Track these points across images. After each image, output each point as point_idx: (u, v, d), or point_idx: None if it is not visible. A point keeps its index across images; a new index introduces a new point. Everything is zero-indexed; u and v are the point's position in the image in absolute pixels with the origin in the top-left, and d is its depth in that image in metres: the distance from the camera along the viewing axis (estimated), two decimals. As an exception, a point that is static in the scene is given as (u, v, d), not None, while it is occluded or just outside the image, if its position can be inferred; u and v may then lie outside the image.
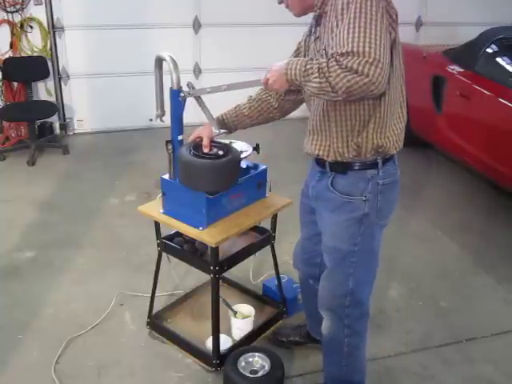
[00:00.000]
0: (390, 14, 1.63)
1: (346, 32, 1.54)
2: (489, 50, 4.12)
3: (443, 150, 4.65)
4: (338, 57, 1.53)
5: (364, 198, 1.85)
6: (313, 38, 1.86)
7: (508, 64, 4.08)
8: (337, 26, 1.61)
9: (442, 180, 4.54)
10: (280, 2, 1.83)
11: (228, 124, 2.18)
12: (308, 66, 1.59)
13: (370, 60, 1.50)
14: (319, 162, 1.94)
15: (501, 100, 3.71)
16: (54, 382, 2.33)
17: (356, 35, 1.52)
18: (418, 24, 6.17)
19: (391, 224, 3.33)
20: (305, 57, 1.94)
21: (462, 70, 4.27)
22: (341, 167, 1.86)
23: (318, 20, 1.81)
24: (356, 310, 2.02)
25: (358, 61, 1.50)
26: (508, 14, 5.83)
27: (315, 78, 1.57)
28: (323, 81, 1.55)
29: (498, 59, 4.16)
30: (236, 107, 2.20)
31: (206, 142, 2.08)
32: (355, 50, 1.51)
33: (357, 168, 1.85)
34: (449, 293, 3.03)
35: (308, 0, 1.77)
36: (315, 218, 2.06)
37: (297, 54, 2.02)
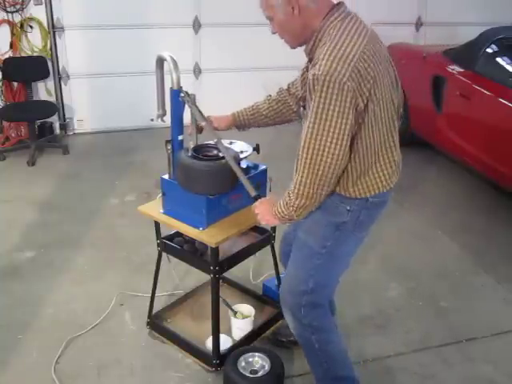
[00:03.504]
0: (362, 94, 1.65)
1: (304, 140, 1.69)
2: (489, 50, 4.12)
3: (443, 150, 4.64)
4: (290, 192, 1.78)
5: (348, 208, 1.86)
6: (308, 68, 1.87)
7: (508, 64, 4.08)
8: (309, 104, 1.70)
9: (442, 180, 4.54)
10: (274, 33, 1.85)
11: (242, 121, 2.20)
12: (279, 210, 1.84)
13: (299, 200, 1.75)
14: None
15: (501, 100, 3.71)
16: (53, 381, 2.34)
17: (310, 154, 1.68)
18: (418, 24, 6.16)
19: (391, 224, 3.32)
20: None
21: (462, 70, 4.27)
22: None
23: (310, 60, 1.83)
24: (312, 310, 2.01)
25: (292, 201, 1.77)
26: (508, 14, 5.83)
27: (288, 207, 1.80)
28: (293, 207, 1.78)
29: (498, 59, 4.16)
30: (253, 106, 2.22)
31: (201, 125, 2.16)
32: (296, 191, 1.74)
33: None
34: (449, 293, 3.03)
35: (301, 38, 1.80)
36: None
37: (303, 78, 2.06)
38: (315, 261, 1.94)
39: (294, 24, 1.76)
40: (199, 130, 2.21)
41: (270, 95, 2.21)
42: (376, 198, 1.87)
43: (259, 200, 1.97)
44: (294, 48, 1.87)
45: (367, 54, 1.66)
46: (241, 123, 2.22)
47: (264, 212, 1.92)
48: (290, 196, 1.78)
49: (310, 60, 1.80)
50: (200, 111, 2.13)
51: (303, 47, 1.84)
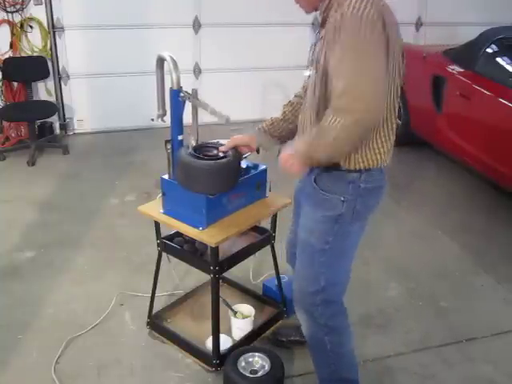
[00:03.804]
0: (387, 37, 1.64)
1: (337, 76, 1.63)
2: (489, 50, 4.12)
3: (443, 150, 4.64)
4: (331, 116, 1.65)
5: (342, 199, 1.85)
6: (318, 37, 1.86)
7: (508, 64, 4.08)
8: (331, 50, 1.66)
9: (441, 180, 4.54)
10: None
11: (263, 135, 2.17)
12: (310, 140, 1.74)
13: (357, 116, 1.60)
14: None
15: (501, 100, 3.71)
16: (53, 382, 2.33)
17: (344, 83, 1.61)
18: (418, 24, 6.17)
19: (391, 223, 3.31)
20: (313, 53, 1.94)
21: (462, 70, 4.27)
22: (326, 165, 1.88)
23: (322, 22, 1.81)
24: (328, 309, 2.01)
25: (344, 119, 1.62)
26: (508, 14, 5.83)
27: (320, 139, 1.69)
28: (329, 138, 1.67)
29: (498, 59, 4.16)
30: (271, 118, 2.21)
31: (228, 144, 2.14)
32: (344, 106, 1.62)
33: (340, 168, 1.86)
34: (449, 293, 3.03)
35: (317, 1, 1.79)
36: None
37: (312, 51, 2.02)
38: (320, 258, 1.94)
39: None
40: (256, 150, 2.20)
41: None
42: (369, 184, 1.86)
43: (282, 153, 1.89)
44: (309, 13, 1.87)
45: (386, 15, 1.67)
46: (263, 136, 2.18)
47: (291, 160, 1.82)
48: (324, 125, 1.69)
49: (323, 23, 1.79)
50: (203, 102, 2.11)
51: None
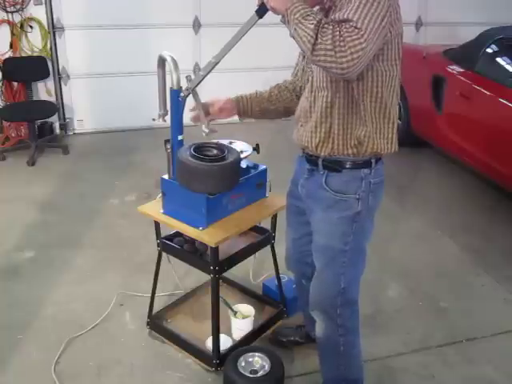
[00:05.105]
0: (396, 11, 1.67)
1: (350, 8, 1.54)
2: (489, 50, 4.13)
3: (443, 150, 4.65)
4: (335, 23, 1.53)
5: (357, 197, 1.86)
6: None
7: (508, 64, 4.08)
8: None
9: (441, 180, 4.53)
10: None
11: (244, 105, 2.15)
12: (311, 13, 1.56)
13: (362, 40, 1.49)
14: (310, 159, 1.94)
15: (501, 100, 3.71)
16: (54, 382, 2.34)
17: (359, 11, 1.53)
18: (418, 24, 6.17)
19: (391, 224, 3.31)
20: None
21: (462, 70, 4.27)
22: (334, 165, 1.87)
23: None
24: (347, 309, 2.02)
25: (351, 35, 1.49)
26: (508, 14, 5.83)
27: (311, 24, 1.53)
28: (312, 33, 1.52)
29: (498, 59, 4.16)
30: (256, 90, 2.19)
31: (213, 109, 2.14)
32: (357, 24, 1.50)
33: (349, 167, 1.86)
34: (449, 293, 3.03)
35: None
36: (304, 219, 2.06)
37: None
38: (341, 259, 1.93)
39: None
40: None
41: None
42: (377, 178, 1.88)
43: None
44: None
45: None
46: (244, 106, 2.15)
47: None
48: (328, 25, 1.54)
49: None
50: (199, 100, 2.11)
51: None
